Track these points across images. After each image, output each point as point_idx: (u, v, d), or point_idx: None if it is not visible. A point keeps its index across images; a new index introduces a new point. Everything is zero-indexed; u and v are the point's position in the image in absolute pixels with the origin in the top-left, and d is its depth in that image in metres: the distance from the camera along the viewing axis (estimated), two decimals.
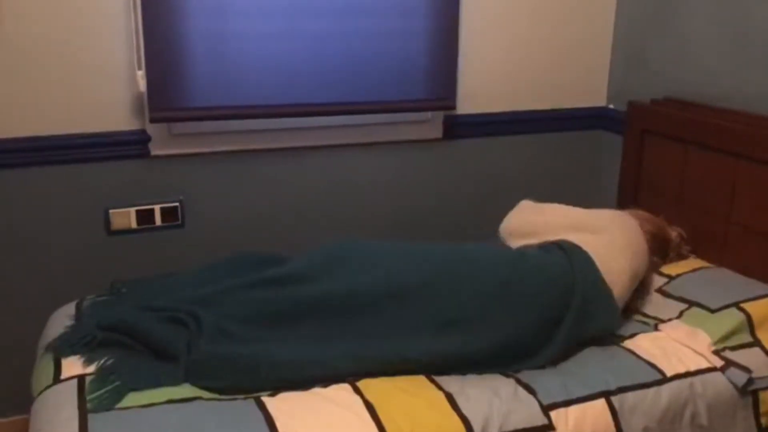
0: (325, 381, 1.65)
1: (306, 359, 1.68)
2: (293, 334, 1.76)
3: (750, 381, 1.75)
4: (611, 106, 2.87)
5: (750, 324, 1.88)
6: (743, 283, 2.07)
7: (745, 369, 1.76)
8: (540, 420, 1.60)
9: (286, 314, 1.79)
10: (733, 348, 1.83)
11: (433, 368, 1.70)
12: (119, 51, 2.23)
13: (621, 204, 2.72)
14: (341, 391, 1.62)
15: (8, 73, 2.13)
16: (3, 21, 2.07)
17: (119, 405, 1.54)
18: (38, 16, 2.12)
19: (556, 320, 1.82)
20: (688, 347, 1.85)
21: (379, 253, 1.96)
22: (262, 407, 1.55)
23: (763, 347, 1.84)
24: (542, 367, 1.77)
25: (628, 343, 1.89)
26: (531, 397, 1.64)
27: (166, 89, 2.24)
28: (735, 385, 1.75)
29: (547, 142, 2.86)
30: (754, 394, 1.77)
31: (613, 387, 1.70)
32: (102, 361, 1.67)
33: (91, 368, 1.66)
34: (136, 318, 1.78)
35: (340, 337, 1.75)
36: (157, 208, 2.39)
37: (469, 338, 1.75)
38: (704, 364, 1.79)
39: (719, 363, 1.79)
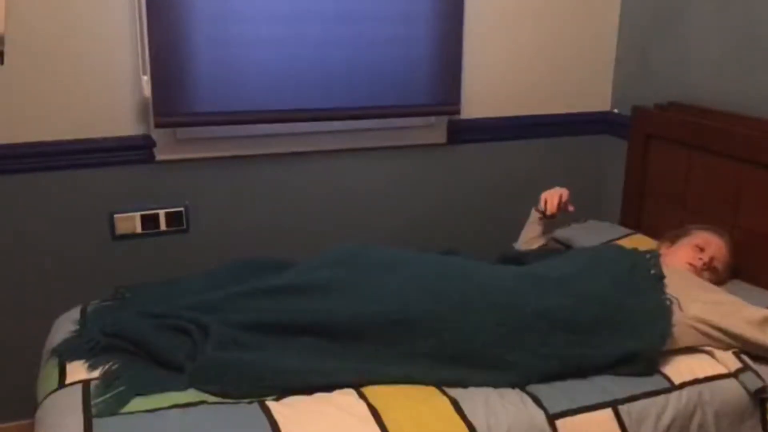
0: (329, 388, 1.64)
1: (310, 368, 1.67)
2: (296, 345, 1.74)
3: (763, 388, 1.74)
4: (615, 111, 2.87)
5: None
6: (752, 293, 2.05)
7: (760, 376, 1.75)
8: (546, 429, 1.59)
9: (287, 326, 1.78)
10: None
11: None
12: (124, 56, 2.24)
13: (625, 209, 2.72)
14: (346, 396, 1.62)
15: (13, 78, 2.14)
16: (8, 28, 2.08)
17: (124, 410, 1.53)
18: (43, 23, 2.13)
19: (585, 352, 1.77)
20: (710, 348, 1.83)
21: (389, 267, 1.91)
22: (267, 411, 1.55)
23: None
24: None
25: None
26: (536, 406, 1.63)
27: (171, 94, 2.24)
28: (747, 390, 1.74)
29: (552, 147, 2.86)
30: (762, 402, 1.76)
31: (620, 396, 1.68)
32: (107, 366, 1.67)
33: (96, 373, 1.66)
34: (137, 328, 1.77)
35: (343, 355, 1.72)
36: (161, 212, 2.39)
37: (480, 374, 1.70)
38: (712, 371, 1.78)
39: (737, 365, 1.77)
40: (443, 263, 2.00)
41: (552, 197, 2.27)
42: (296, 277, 1.92)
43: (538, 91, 2.78)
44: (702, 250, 2.11)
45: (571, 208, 2.27)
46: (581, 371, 1.74)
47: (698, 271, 2.08)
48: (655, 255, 2.07)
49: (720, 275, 2.13)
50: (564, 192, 2.27)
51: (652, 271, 1.96)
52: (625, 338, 1.78)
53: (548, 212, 2.26)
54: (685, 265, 2.09)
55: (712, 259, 2.10)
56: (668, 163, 2.51)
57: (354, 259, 1.96)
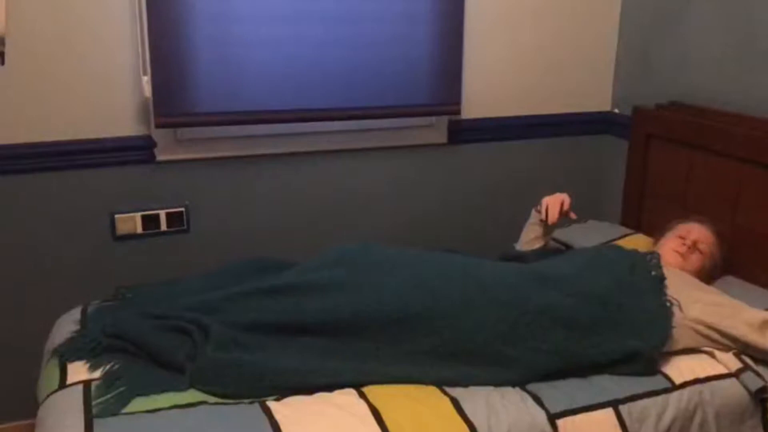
0: (330, 388, 1.65)
1: (310, 368, 1.67)
2: (296, 345, 1.75)
3: (764, 388, 1.74)
4: (616, 111, 2.87)
5: None
6: (752, 293, 2.05)
7: (761, 376, 1.76)
8: (546, 429, 1.59)
9: (288, 326, 1.78)
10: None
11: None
12: (125, 57, 2.24)
13: (626, 209, 2.72)
14: (346, 396, 1.62)
15: (14, 79, 2.14)
16: (9, 29, 2.08)
17: (125, 410, 1.54)
18: (44, 23, 2.13)
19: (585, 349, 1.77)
20: (710, 349, 1.83)
21: (390, 266, 1.91)
22: (267, 412, 1.55)
23: None
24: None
25: None
26: (537, 406, 1.63)
27: (172, 95, 2.25)
28: (748, 390, 1.74)
29: (552, 147, 2.86)
30: (763, 402, 1.76)
31: (621, 396, 1.68)
32: (108, 367, 1.67)
33: (97, 373, 1.66)
34: (138, 328, 1.77)
35: (343, 354, 1.73)
36: (162, 213, 2.39)
37: (480, 371, 1.71)
38: (712, 371, 1.78)
39: (737, 365, 1.77)
40: (444, 261, 2.00)
41: (553, 205, 2.22)
42: (296, 277, 1.92)
43: (539, 91, 2.78)
44: (684, 237, 2.16)
45: (573, 216, 2.24)
46: (581, 369, 1.75)
47: (686, 257, 2.11)
48: (656, 256, 2.07)
49: (710, 260, 2.14)
50: (566, 199, 2.23)
51: (653, 272, 1.97)
52: (626, 338, 1.78)
53: (549, 221, 2.23)
54: (672, 254, 2.12)
55: (695, 241, 2.14)
56: (669, 162, 2.51)
57: (354, 259, 1.96)
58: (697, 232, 2.17)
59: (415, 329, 1.76)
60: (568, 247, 2.46)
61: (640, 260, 2.04)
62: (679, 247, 2.14)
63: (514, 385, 1.70)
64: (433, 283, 1.85)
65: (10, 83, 2.14)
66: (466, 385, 1.68)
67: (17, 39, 2.10)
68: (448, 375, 1.69)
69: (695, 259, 2.12)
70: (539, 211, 2.29)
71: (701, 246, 2.14)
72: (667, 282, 1.94)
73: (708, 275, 2.13)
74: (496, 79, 2.70)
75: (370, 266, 1.92)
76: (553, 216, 2.22)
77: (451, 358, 1.73)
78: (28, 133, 2.20)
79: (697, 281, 2.04)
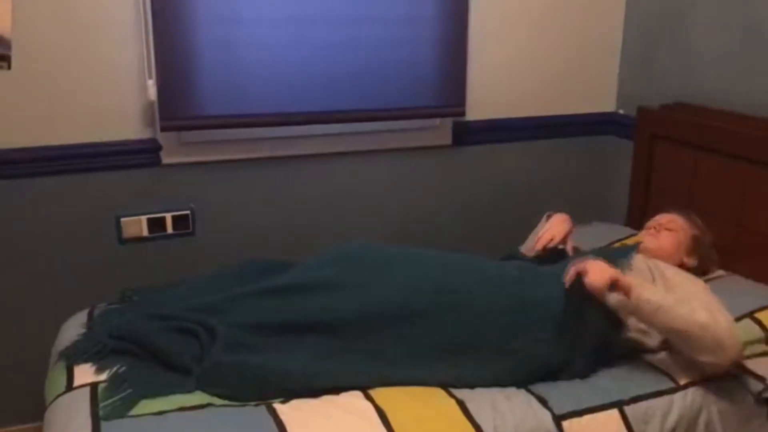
0: (335, 391, 1.65)
1: (315, 371, 1.67)
2: (300, 345, 1.75)
3: (765, 389, 1.74)
4: (621, 112, 2.87)
5: (765, 335, 1.85)
6: (756, 290, 2.05)
7: (761, 378, 1.75)
8: (552, 430, 1.59)
9: (292, 325, 1.78)
10: (749, 357, 1.80)
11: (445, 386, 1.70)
12: (130, 60, 2.25)
13: (631, 210, 2.72)
14: (352, 398, 1.62)
15: (20, 83, 2.15)
16: (15, 33, 2.09)
17: (131, 412, 1.54)
18: (49, 27, 2.14)
19: (578, 337, 1.78)
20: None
21: (391, 263, 1.92)
22: (274, 414, 1.56)
23: None
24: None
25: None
26: (543, 407, 1.63)
27: (177, 98, 2.25)
28: (750, 391, 1.74)
29: (557, 148, 2.85)
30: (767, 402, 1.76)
31: (626, 397, 1.69)
32: (114, 369, 1.68)
33: (104, 376, 1.67)
34: (144, 329, 1.78)
35: (348, 353, 1.73)
36: (168, 216, 2.40)
37: (484, 364, 1.72)
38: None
39: (735, 371, 1.77)
40: (445, 258, 2.01)
41: (542, 239, 2.15)
42: (299, 277, 1.92)
43: (543, 92, 2.78)
44: (651, 226, 2.21)
45: (569, 249, 2.16)
46: (581, 363, 1.76)
47: (657, 236, 2.14)
48: (634, 247, 2.09)
49: (684, 234, 2.15)
50: (556, 236, 2.14)
51: (625, 260, 1.98)
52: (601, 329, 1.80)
53: (536, 246, 2.17)
54: (647, 240, 2.14)
55: (660, 224, 2.18)
56: (674, 163, 2.51)
57: (356, 257, 1.97)
58: (662, 218, 2.21)
59: (419, 325, 1.77)
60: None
61: (617, 255, 2.05)
62: (649, 233, 2.18)
63: (516, 381, 1.71)
64: (436, 278, 1.86)
65: (16, 87, 2.15)
66: (470, 384, 1.68)
67: (23, 43, 2.11)
68: (452, 373, 1.70)
69: (666, 235, 2.14)
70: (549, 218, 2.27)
71: (669, 225, 2.17)
72: (650, 267, 1.97)
73: (689, 250, 2.13)
74: (500, 81, 2.70)
75: (372, 264, 1.93)
76: (538, 246, 2.15)
77: (455, 352, 1.74)
78: (34, 137, 2.21)
79: (683, 272, 2.02)
